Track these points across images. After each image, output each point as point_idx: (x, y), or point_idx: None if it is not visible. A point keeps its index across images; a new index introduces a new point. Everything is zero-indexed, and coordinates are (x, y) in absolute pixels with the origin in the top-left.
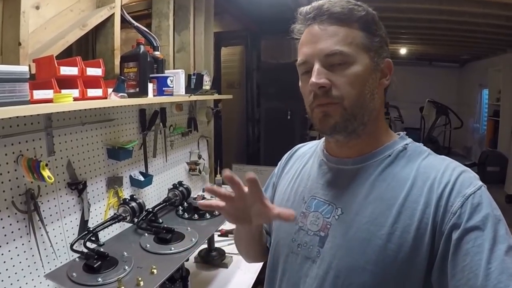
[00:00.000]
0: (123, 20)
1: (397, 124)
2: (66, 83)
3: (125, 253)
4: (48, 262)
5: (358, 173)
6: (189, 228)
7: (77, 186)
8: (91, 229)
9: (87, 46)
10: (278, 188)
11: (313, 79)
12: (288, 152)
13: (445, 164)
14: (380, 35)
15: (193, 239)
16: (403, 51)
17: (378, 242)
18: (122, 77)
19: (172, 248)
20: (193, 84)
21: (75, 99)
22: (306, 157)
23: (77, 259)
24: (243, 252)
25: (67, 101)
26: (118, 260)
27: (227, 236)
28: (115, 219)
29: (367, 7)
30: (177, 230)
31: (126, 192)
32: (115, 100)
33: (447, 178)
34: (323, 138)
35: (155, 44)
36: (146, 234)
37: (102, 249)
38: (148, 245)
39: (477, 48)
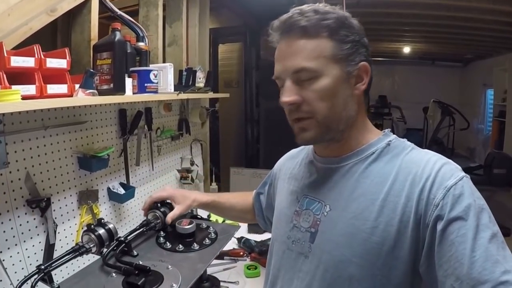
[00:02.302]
0: (105, 8)
1: (399, 125)
2: (22, 77)
3: None
4: None
5: (344, 171)
6: (170, 266)
7: (39, 204)
8: (42, 267)
9: None
10: (277, 191)
11: (283, 98)
12: (283, 156)
13: (427, 158)
14: (352, 40)
15: (174, 284)
16: (406, 50)
17: (363, 236)
18: (91, 70)
19: None
20: (184, 81)
21: (31, 97)
22: (299, 158)
23: None
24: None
25: (12, 99)
26: None
27: (222, 259)
28: (76, 252)
29: (338, 11)
30: (154, 269)
31: (103, 207)
32: (80, 98)
33: (428, 172)
34: None
35: (140, 34)
36: (114, 274)
37: None
38: None
39: (482, 46)
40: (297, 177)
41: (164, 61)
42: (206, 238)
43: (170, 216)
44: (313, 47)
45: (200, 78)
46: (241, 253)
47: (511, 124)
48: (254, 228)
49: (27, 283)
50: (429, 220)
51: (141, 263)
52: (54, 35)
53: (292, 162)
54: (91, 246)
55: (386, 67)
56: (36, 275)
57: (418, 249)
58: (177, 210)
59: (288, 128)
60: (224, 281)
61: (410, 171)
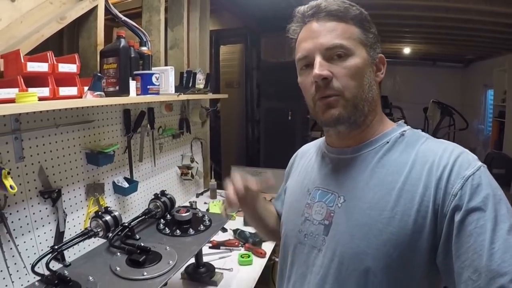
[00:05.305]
0: (110, 14)
1: None
2: (37, 81)
3: (91, 278)
4: (20, 278)
5: (358, 161)
6: (168, 247)
7: (51, 195)
8: (56, 247)
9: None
10: (288, 186)
11: (316, 70)
12: (295, 154)
13: (443, 147)
14: (373, 33)
15: (171, 261)
16: (406, 50)
17: (379, 226)
18: (98, 74)
19: (145, 273)
20: (185, 83)
21: (45, 98)
22: (310, 153)
23: (36, 283)
24: (257, 232)
25: (30, 100)
26: (81, 286)
27: (218, 249)
28: (85, 235)
29: (360, 8)
30: (153, 250)
31: (108, 200)
32: (89, 99)
33: (445, 161)
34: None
35: (143, 39)
36: (119, 254)
37: (66, 272)
38: (118, 268)
39: (482, 47)
40: (308, 170)
41: (166, 64)
42: (201, 225)
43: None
44: (344, 29)
45: (200, 80)
46: (236, 244)
47: (511, 124)
48: None
49: (39, 262)
50: (446, 210)
51: (142, 244)
52: (60, 40)
53: (303, 157)
54: (98, 230)
55: (387, 68)
56: (50, 254)
57: (436, 240)
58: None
59: (288, 128)
60: (219, 268)
61: (427, 160)
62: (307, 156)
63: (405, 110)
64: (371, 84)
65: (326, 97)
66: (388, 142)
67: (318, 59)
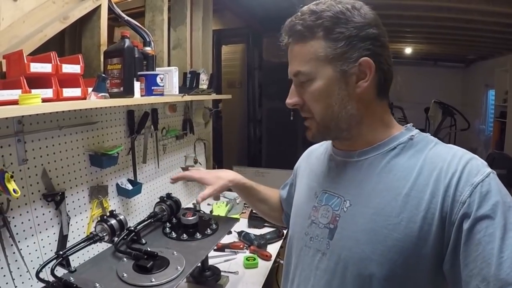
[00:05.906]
0: (113, 14)
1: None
2: (40, 82)
3: (97, 285)
4: (23, 282)
5: (365, 165)
6: (175, 252)
7: (54, 198)
8: (61, 252)
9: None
10: (296, 188)
11: (287, 100)
12: (304, 152)
13: (452, 153)
14: (348, 36)
15: (179, 267)
16: (408, 50)
17: (384, 232)
18: (103, 75)
19: (153, 280)
20: (189, 83)
21: (49, 100)
22: (318, 153)
23: None
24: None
25: (34, 102)
26: None
27: (223, 251)
28: (91, 240)
29: (335, 7)
30: (161, 255)
31: (112, 202)
32: (93, 101)
33: (454, 167)
34: None
35: (147, 39)
36: (125, 259)
37: (71, 278)
38: (125, 274)
39: (484, 47)
40: (316, 172)
41: (169, 64)
42: (208, 229)
43: (201, 196)
44: (306, 50)
45: (203, 80)
46: (241, 246)
47: None
48: (253, 223)
49: (44, 268)
50: (455, 218)
51: (149, 249)
52: (62, 40)
53: (311, 157)
54: (104, 235)
55: None
56: (55, 260)
57: (443, 247)
58: (207, 191)
59: (290, 128)
60: (225, 271)
61: (435, 166)
62: (316, 157)
63: (406, 110)
64: (344, 101)
65: (304, 119)
66: (396, 147)
67: (292, 86)
